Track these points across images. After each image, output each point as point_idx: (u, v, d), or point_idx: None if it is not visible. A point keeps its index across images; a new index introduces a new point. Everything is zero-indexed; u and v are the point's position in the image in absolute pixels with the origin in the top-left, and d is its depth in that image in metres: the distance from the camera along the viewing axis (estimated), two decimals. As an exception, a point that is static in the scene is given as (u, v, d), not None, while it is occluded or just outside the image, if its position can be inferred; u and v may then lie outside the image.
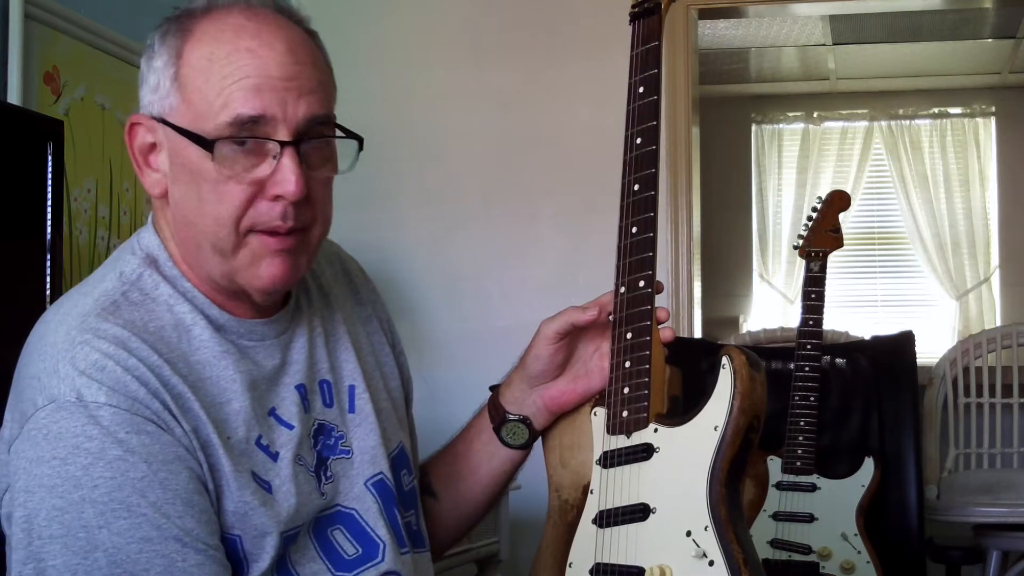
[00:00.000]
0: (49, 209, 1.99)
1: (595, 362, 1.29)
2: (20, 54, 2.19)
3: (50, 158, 1.99)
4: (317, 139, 1.10)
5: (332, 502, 1.17)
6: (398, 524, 1.21)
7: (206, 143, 1.06)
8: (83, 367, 1.02)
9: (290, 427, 1.14)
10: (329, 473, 1.17)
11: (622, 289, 1.25)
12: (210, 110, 1.06)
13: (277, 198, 1.07)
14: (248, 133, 1.06)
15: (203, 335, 1.11)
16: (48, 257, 1.99)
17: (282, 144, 1.07)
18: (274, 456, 1.12)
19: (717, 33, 5.11)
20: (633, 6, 1.31)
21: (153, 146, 1.12)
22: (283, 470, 1.11)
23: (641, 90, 1.28)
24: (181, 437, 1.04)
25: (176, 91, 1.08)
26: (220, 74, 1.06)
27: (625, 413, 1.22)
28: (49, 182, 1.99)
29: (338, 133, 1.13)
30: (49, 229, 1.99)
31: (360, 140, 1.14)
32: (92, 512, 1.00)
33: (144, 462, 1.01)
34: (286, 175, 1.07)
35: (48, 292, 1.97)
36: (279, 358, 1.16)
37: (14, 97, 2.17)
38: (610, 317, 1.27)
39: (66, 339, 1.05)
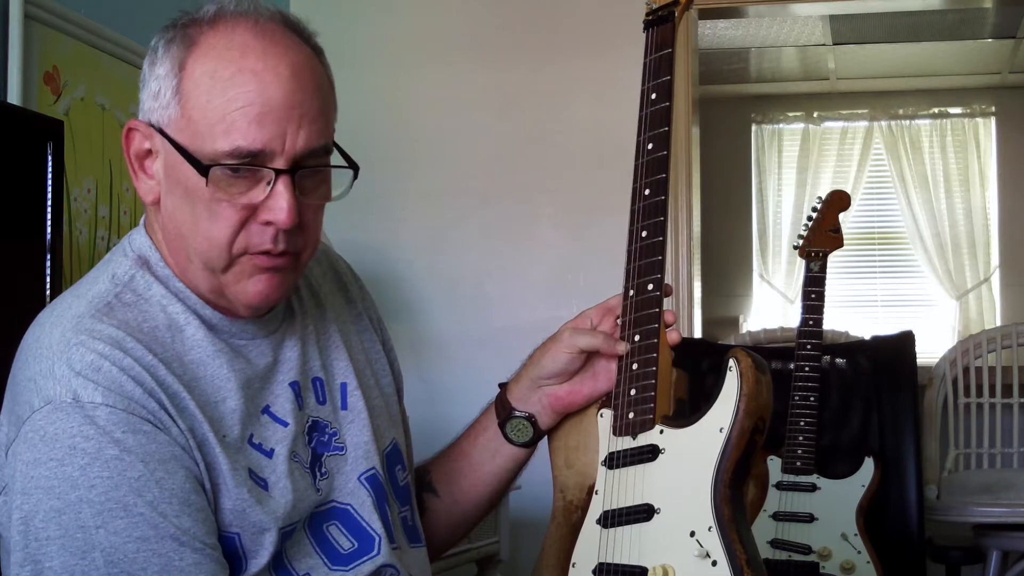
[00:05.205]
0: (49, 209, 1.99)
1: (602, 364, 1.29)
2: (20, 54, 2.18)
3: (50, 158, 1.99)
4: (313, 167, 1.10)
5: (327, 498, 1.18)
6: (388, 519, 1.21)
7: (201, 167, 1.05)
8: (79, 368, 1.02)
9: (284, 424, 1.14)
10: (324, 469, 1.18)
11: (631, 292, 1.26)
12: (210, 132, 1.05)
13: (268, 223, 1.08)
14: (245, 163, 1.06)
15: (196, 335, 1.11)
16: (48, 257, 1.99)
17: (277, 172, 1.06)
18: (269, 453, 1.12)
19: (717, 33, 5.12)
20: (647, 14, 1.32)
21: (149, 152, 1.11)
22: (279, 466, 1.12)
23: (653, 96, 1.29)
24: (177, 436, 1.04)
25: (177, 103, 1.07)
26: (223, 95, 1.05)
27: (631, 415, 1.23)
28: (49, 182, 1.99)
29: (335, 162, 1.13)
30: (49, 229, 1.99)
31: (356, 169, 1.14)
32: (89, 512, 1.00)
33: (141, 461, 1.01)
34: (279, 203, 1.06)
35: (48, 292, 1.97)
36: (271, 356, 1.16)
37: (14, 97, 2.17)
38: (618, 320, 1.28)
39: (61, 341, 1.05)
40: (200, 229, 1.08)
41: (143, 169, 1.12)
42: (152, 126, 1.09)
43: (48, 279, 1.98)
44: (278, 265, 1.10)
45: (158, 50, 1.09)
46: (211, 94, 1.05)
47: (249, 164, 1.05)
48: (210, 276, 1.10)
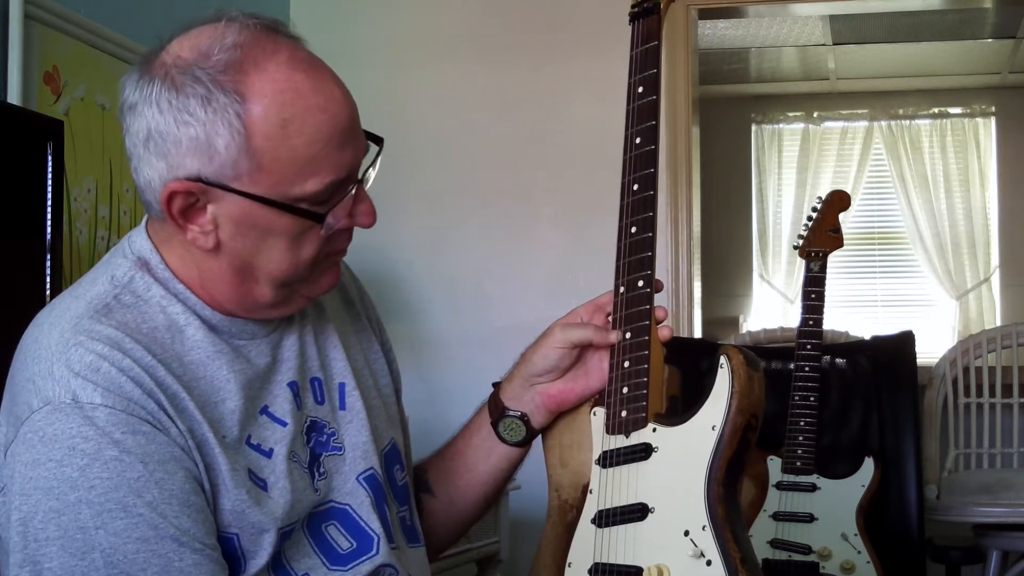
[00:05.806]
0: (49, 209, 1.99)
1: (594, 362, 1.28)
2: (20, 54, 2.19)
3: (50, 158, 1.99)
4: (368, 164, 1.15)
5: (326, 498, 1.18)
6: (387, 519, 1.21)
7: (316, 216, 1.08)
8: (78, 368, 1.02)
9: (283, 424, 1.14)
10: (322, 469, 1.18)
11: (621, 289, 1.25)
12: (296, 177, 1.06)
13: (350, 228, 1.14)
14: (341, 190, 1.10)
15: (196, 335, 1.11)
16: (48, 257, 1.99)
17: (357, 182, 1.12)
18: (268, 453, 1.12)
19: (717, 33, 5.12)
20: (633, 6, 1.31)
21: (194, 204, 1.08)
22: (278, 466, 1.12)
23: (640, 90, 1.28)
24: (177, 437, 1.04)
25: (247, 158, 1.05)
26: (301, 140, 1.05)
27: (624, 413, 1.22)
28: (49, 182, 1.99)
29: (370, 145, 1.17)
30: (49, 229, 1.99)
31: (381, 141, 1.18)
32: (89, 513, 1.00)
33: (140, 462, 1.01)
34: (367, 207, 1.14)
35: (48, 292, 1.97)
36: (270, 356, 1.17)
37: (14, 97, 2.17)
38: (609, 317, 1.27)
39: (60, 341, 1.05)
40: (282, 258, 1.10)
41: (189, 220, 1.09)
42: (201, 181, 1.06)
43: (48, 279, 1.99)
44: (343, 255, 1.18)
45: (189, 105, 1.04)
46: (287, 142, 1.05)
47: (340, 189, 1.10)
48: (280, 291, 1.13)
